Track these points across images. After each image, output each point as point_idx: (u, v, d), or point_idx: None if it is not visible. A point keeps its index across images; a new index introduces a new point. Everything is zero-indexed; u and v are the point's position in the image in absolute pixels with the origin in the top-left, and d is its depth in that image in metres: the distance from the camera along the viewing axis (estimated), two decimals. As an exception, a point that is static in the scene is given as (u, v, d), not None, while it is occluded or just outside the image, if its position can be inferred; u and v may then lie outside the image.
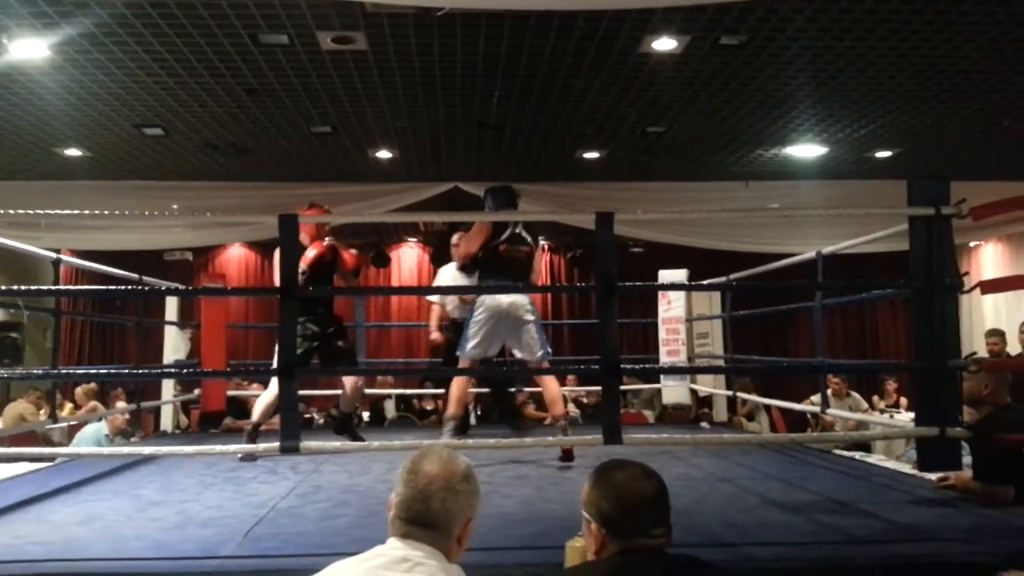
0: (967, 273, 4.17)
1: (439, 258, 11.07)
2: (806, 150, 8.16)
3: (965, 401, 3.75)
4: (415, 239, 11.60)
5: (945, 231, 3.88)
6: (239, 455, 4.61)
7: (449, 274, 6.22)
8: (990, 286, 4.25)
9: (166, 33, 5.24)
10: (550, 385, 4.94)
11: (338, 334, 5.33)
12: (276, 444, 3.65)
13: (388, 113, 6.98)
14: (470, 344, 4.83)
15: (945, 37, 5.42)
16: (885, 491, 3.92)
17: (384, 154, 8.26)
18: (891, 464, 5.04)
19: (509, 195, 5.04)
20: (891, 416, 7.76)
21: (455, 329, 5.83)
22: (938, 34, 5.37)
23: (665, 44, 5.54)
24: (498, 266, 4.89)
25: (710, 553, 2.55)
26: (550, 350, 5.00)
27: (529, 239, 5.04)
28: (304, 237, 4.87)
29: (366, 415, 8.71)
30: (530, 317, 4.83)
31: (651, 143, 7.93)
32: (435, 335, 6.40)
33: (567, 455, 4.65)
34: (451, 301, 6.16)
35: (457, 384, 4.94)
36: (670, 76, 6.17)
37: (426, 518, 1.67)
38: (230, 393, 7.20)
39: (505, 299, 4.77)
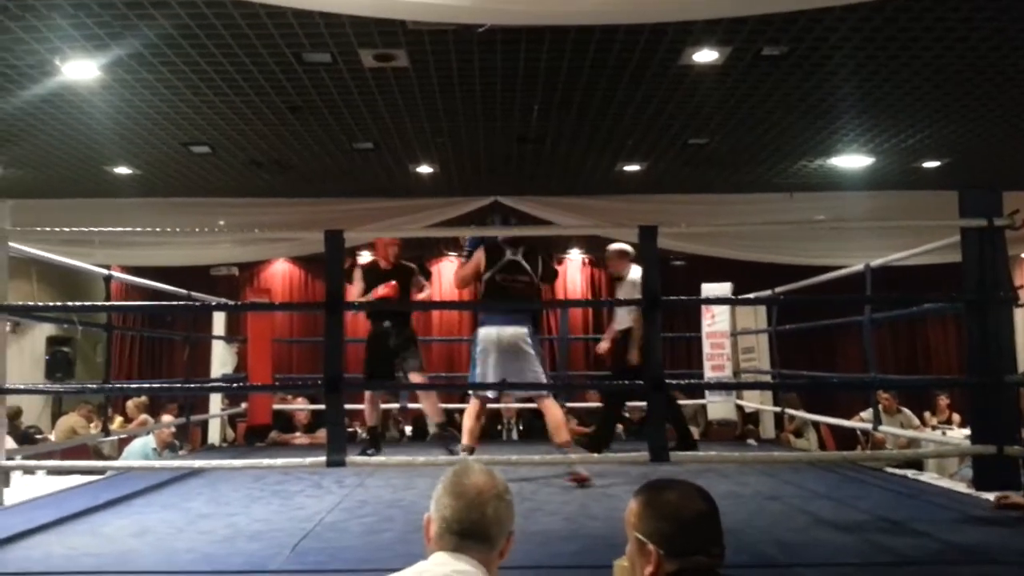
0: (1022, 286, 4.07)
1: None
2: (852, 160, 8.03)
3: None
4: (455, 254, 11.64)
5: (998, 242, 3.79)
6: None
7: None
8: (1047, 299, 4.14)
9: (212, 53, 5.35)
10: (553, 411, 4.77)
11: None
12: (322, 459, 3.67)
13: (429, 128, 7.03)
14: (477, 378, 4.72)
15: (993, 44, 5.30)
16: (939, 510, 3.82)
17: (425, 169, 8.32)
18: (945, 483, 4.91)
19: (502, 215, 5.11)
20: (943, 433, 7.57)
21: (624, 341, 5.83)
22: (985, 41, 5.26)
23: (706, 56, 5.50)
24: (495, 297, 4.76)
25: (760, 574, 2.51)
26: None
27: (529, 268, 4.85)
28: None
29: (408, 430, 8.74)
30: (529, 350, 4.68)
31: (693, 155, 7.87)
32: (603, 344, 6.28)
33: (579, 479, 4.51)
34: (620, 313, 6.02)
35: (469, 417, 4.81)
36: (711, 88, 6.12)
37: (480, 528, 1.66)
38: (276, 407, 7.28)
39: (504, 330, 4.63)
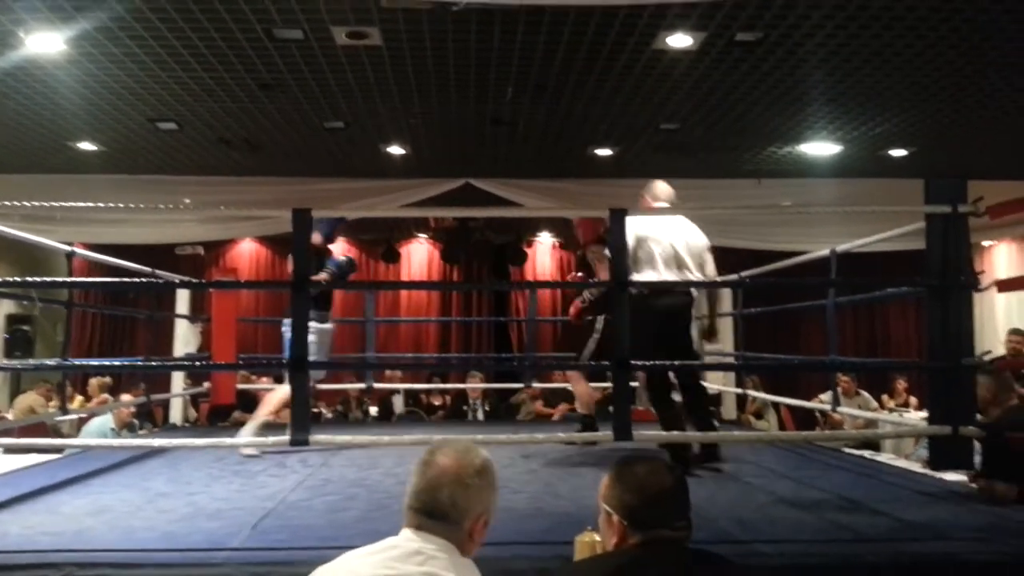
0: (982, 272, 4.14)
1: (449, 254, 11.08)
2: (820, 148, 8.11)
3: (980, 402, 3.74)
4: (426, 235, 11.60)
5: (961, 229, 3.85)
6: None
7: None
8: (1007, 285, 4.23)
9: (181, 28, 5.25)
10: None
11: None
12: (286, 437, 3.65)
13: (401, 109, 6.98)
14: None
15: (962, 35, 5.37)
16: (895, 490, 3.90)
17: (396, 150, 8.27)
18: (901, 463, 5.02)
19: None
20: (900, 415, 7.71)
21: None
22: (955, 32, 5.32)
23: (680, 41, 5.51)
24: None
25: (720, 550, 2.53)
26: None
27: None
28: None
29: (374, 410, 8.73)
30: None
31: (664, 140, 7.90)
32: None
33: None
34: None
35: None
36: (685, 73, 6.14)
37: (434, 509, 1.67)
38: (240, 387, 7.22)
39: None
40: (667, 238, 4.43)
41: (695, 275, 4.46)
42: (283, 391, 4.79)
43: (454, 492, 1.68)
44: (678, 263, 4.41)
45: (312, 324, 4.70)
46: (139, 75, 6.10)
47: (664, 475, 1.79)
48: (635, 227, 4.19)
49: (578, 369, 5.60)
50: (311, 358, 4.62)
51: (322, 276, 4.99)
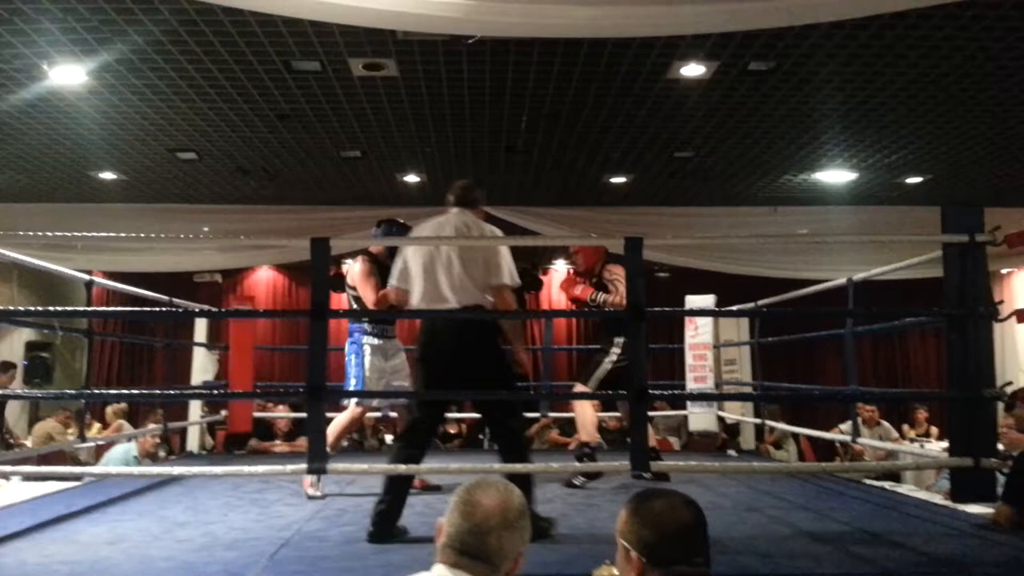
0: (1002, 301, 4.11)
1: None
2: (836, 176, 8.10)
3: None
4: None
5: (979, 258, 3.83)
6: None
7: None
8: (1027, 314, 4.19)
9: (201, 60, 5.34)
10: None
11: None
12: (303, 466, 3.64)
13: (416, 138, 7.04)
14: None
15: (977, 63, 5.38)
16: (917, 522, 3.84)
17: (412, 178, 8.33)
18: (922, 495, 4.94)
19: (400, 228, 4.73)
20: (922, 446, 7.61)
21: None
22: (970, 60, 5.33)
23: (693, 70, 5.55)
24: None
25: (739, 584, 2.51)
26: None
27: None
28: None
29: (389, 438, 8.70)
30: None
31: (678, 168, 7.92)
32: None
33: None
34: None
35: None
36: (698, 101, 6.17)
37: (479, 552, 1.64)
38: (256, 415, 7.23)
39: None
40: None
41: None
42: (340, 423, 4.69)
43: (502, 535, 1.66)
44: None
45: (371, 342, 4.67)
46: (159, 106, 6.19)
47: (683, 510, 1.76)
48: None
49: (586, 391, 5.22)
50: (355, 383, 4.60)
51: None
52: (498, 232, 3.83)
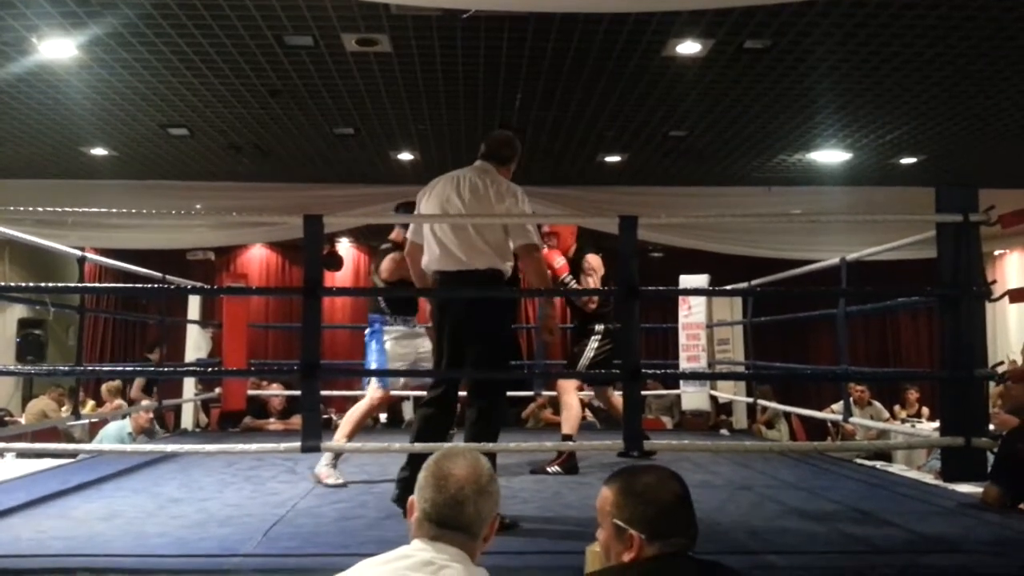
0: (995, 281, 4.12)
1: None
2: (830, 156, 8.09)
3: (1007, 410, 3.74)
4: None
5: (973, 238, 3.83)
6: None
7: None
8: (1019, 295, 4.20)
9: (192, 34, 5.28)
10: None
11: None
12: (297, 444, 3.65)
13: (410, 115, 6.99)
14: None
15: (972, 43, 5.36)
16: (908, 501, 3.87)
17: (405, 156, 8.28)
18: (913, 474, 4.99)
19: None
20: (913, 426, 7.67)
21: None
22: (964, 40, 5.31)
23: (689, 48, 5.51)
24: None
25: (731, 561, 2.52)
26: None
27: None
28: None
29: (383, 417, 8.72)
30: None
31: (673, 147, 7.90)
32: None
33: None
34: None
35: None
36: (693, 80, 6.14)
37: (458, 522, 1.66)
38: (250, 392, 7.23)
39: None
40: None
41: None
42: (360, 409, 4.53)
43: (478, 502, 1.67)
44: None
45: (394, 330, 4.53)
46: (151, 81, 6.13)
47: (673, 483, 1.76)
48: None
49: (574, 378, 5.09)
50: (375, 365, 4.49)
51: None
52: (518, 192, 3.63)
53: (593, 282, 4.94)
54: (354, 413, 4.49)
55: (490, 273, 3.47)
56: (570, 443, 4.67)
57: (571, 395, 4.93)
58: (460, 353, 3.48)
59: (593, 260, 5.00)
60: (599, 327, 4.95)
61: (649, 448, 4.00)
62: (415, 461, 3.37)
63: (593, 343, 4.95)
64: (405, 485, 3.33)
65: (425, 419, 3.50)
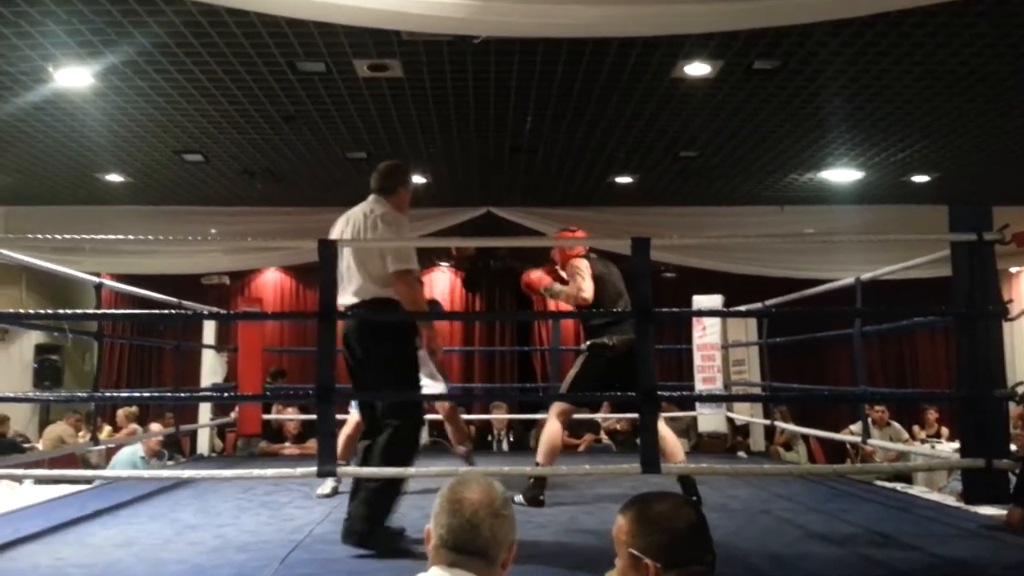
0: (1011, 300, 4.09)
1: (471, 282, 11.09)
2: (842, 174, 8.07)
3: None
4: (447, 263, 11.64)
5: (988, 257, 3.81)
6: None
7: None
8: (1036, 313, 4.17)
9: (206, 61, 5.34)
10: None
11: None
12: (313, 469, 3.65)
13: (422, 139, 7.04)
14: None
15: (982, 60, 5.35)
16: (929, 524, 3.82)
17: (417, 179, 8.32)
18: (934, 496, 4.92)
19: None
20: (932, 447, 7.58)
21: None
22: (975, 57, 5.31)
23: (698, 69, 5.53)
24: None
25: (751, 586, 2.50)
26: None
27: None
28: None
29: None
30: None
31: (684, 168, 7.91)
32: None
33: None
34: None
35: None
36: (703, 101, 6.15)
37: (474, 546, 1.66)
38: (265, 417, 7.24)
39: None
40: None
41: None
42: (346, 433, 4.66)
43: (493, 525, 1.67)
44: None
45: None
46: (166, 108, 6.20)
47: (687, 509, 1.75)
48: None
49: (565, 401, 4.70)
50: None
51: None
52: (394, 220, 3.73)
53: (581, 279, 4.74)
54: (342, 437, 4.56)
55: (379, 302, 3.58)
56: (543, 469, 4.35)
57: (552, 420, 4.50)
58: (364, 381, 3.60)
59: (578, 262, 4.76)
60: (587, 343, 4.71)
61: (669, 472, 3.84)
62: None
63: (579, 362, 4.67)
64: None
65: (367, 449, 3.55)
